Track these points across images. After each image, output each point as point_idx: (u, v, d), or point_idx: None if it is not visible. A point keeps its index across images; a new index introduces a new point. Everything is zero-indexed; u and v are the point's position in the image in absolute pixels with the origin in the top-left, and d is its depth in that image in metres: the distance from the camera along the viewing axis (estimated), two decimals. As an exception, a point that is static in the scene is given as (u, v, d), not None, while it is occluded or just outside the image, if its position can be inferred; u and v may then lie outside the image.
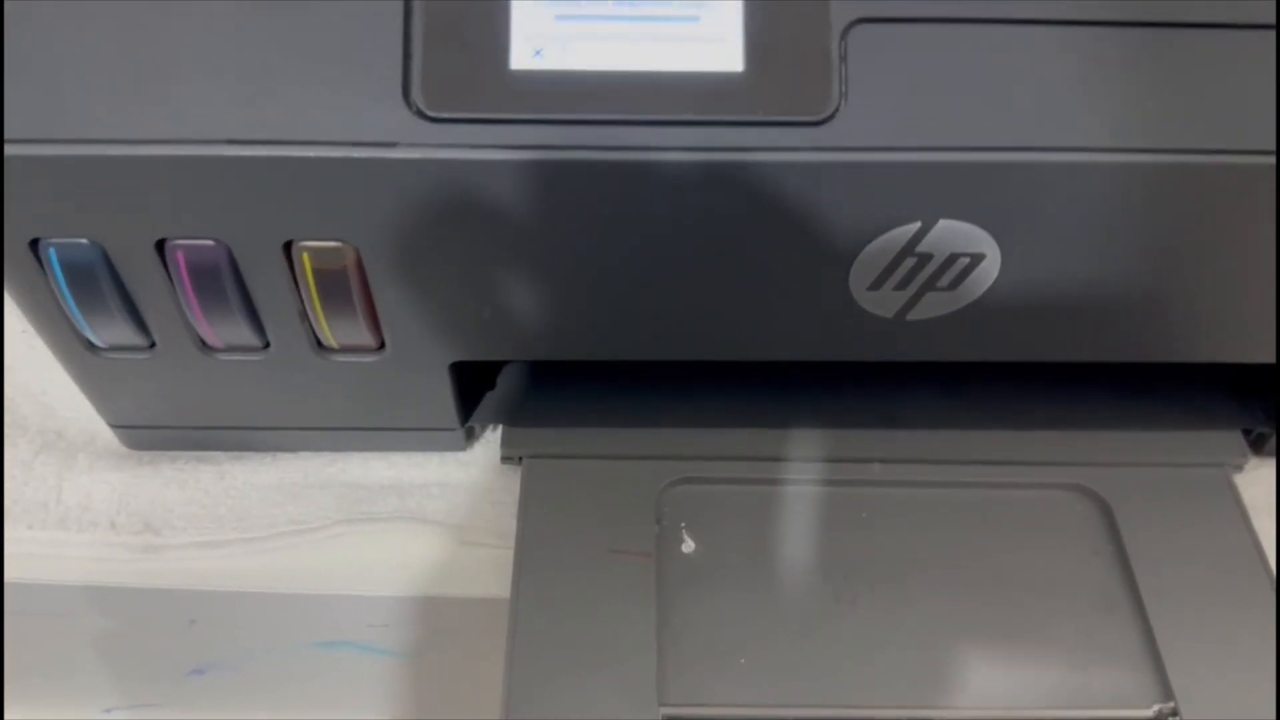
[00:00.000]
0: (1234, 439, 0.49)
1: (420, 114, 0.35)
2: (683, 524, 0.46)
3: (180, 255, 0.38)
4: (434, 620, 0.46)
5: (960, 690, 0.41)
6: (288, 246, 0.38)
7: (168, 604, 0.46)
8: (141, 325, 0.42)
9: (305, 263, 0.38)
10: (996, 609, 0.43)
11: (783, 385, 0.50)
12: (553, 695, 0.40)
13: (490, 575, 0.45)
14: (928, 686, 0.41)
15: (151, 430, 0.48)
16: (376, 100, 0.35)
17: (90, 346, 0.43)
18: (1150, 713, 0.41)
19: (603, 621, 0.42)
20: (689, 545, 0.45)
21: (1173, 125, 0.35)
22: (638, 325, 0.42)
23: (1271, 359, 0.44)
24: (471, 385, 0.49)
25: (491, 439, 0.50)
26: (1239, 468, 0.49)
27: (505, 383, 0.50)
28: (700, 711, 0.40)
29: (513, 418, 0.49)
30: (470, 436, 0.50)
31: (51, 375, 0.48)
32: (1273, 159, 0.36)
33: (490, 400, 0.49)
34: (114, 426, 0.48)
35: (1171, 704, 0.41)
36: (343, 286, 0.39)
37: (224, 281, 0.39)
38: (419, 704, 0.51)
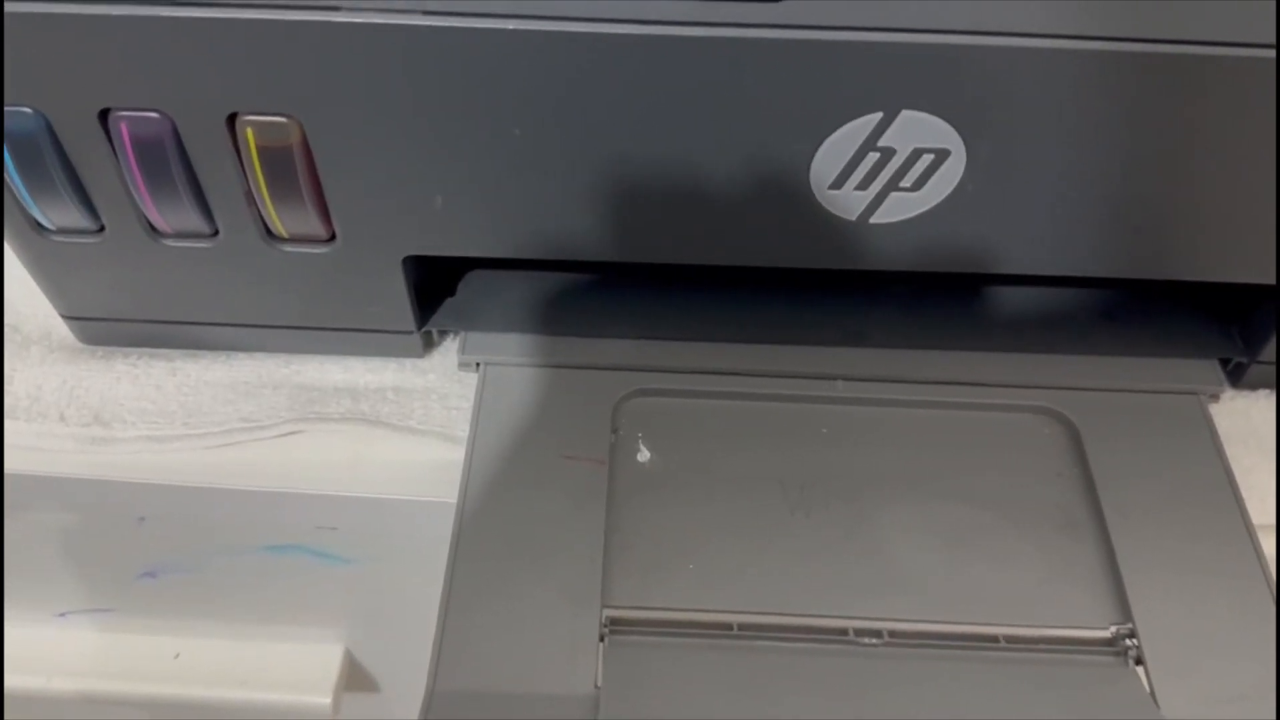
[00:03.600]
0: (1211, 368, 0.48)
1: (365, -22, 0.34)
2: (640, 434, 0.45)
3: (124, 127, 0.38)
4: (383, 522, 0.46)
5: (911, 603, 0.40)
6: (233, 122, 0.37)
7: (115, 497, 0.46)
8: (89, 206, 0.41)
9: (249, 139, 0.38)
10: (954, 525, 0.42)
11: (750, 300, 0.49)
12: (493, 595, 0.39)
13: (441, 479, 0.44)
14: (878, 598, 0.40)
15: (104, 323, 0.47)
16: (321, -38, 0.34)
17: (39, 228, 0.42)
18: (1107, 633, 0.40)
19: (550, 524, 0.42)
20: (645, 455, 0.44)
21: (1155, 12, 0.34)
22: (590, 222, 0.41)
23: (1265, 279, 0.42)
24: (431, 291, 0.48)
25: (450, 348, 0.49)
26: (1215, 397, 0.47)
27: (466, 289, 0.49)
28: (643, 614, 0.39)
29: (472, 324, 0.48)
30: (429, 345, 0.49)
31: (12, 271, 0.48)
32: (1271, 53, 0.34)
33: (450, 306, 0.48)
34: (67, 318, 0.47)
35: (1129, 625, 0.40)
36: (288, 166, 0.38)
37: (169, 157, 0.38)
38: (369, 609, 0.50)
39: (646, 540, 0.42)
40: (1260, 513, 0.43)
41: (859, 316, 0.48)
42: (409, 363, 0.49)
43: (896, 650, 0.39)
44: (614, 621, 0.39)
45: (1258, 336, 0.47)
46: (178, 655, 0.55)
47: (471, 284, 0.49)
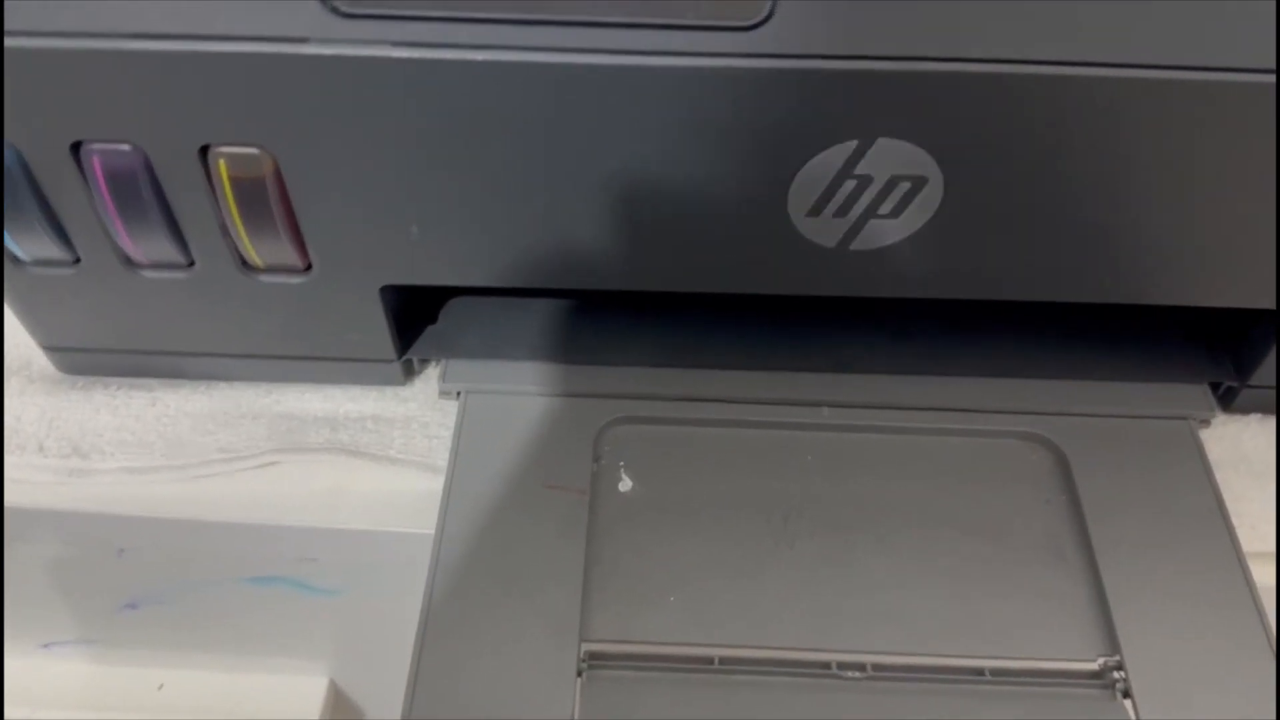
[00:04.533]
0: (1201, 392, 0.47)
1: (335, 10, 0.34)
2: (621, 463, 0.45)
3: (96, 160, 0.37)
4: (364, 554, 0.45)
5: (895, 635, 0.39)
6: (205, 153, 0.37)
7: (94, 529, 0.45)
8: (64, 238, 0.41)
9: (222, 170, 0.37)
10: (940, 555, 0.42)
11: (734, 326, 0.49)
12: (470, 627, 0.39)
13: (421, 509, 0.44)
14: (862, 630, 0.40)
15: (83, 353, 0.47)
16: (290, -6, 0.34)
17: (15, 260, 0.42)
18: (1094, 665, 0.39)
19: (529, 556, 0.41)
20: (626, 484, 0.44)
21: (1136, 36, 0.34)
22: (566, 250, 0.40)
23: (1256, 303, 0.42)
24: (411, 318, 0.48)
25: (432, 376, 0.49)
26: (1205, 422, 0.47)
27: (447, 317, 0.49)
28: (623, 647, 0.39)
29: (453, 351, 0.48)
30: (410, 372, 0.49)
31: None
32: (1262, 77, 0.34)
33: (431, 333, 0.48)
34: (46, 349, 0.47)
35: (1117, 657, 0.39)
36: (261, 197, 0.38)
37: (142, 190, 0.38)
38: (353, 639, 0.50)
39: (627, 572, 0.41)
40: (1251, 540, 0.43)
41: (844, 342, 0.48)
42: (390, 390, 0.48)
43: (880, 684, 0.38)
44: (592, 655, 0.39)
45: (1249, 360, 0.46)
46: (161, 686, 0.55)
47: (453, 311, 0.49)
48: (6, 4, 0.34)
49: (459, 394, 0.47)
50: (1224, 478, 0.44)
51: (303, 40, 0.34)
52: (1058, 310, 0.44)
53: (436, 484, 0.44)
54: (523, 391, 0.46)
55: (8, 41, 0.34)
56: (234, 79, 0.34)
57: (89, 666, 0.56)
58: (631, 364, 0.47)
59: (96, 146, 0.37)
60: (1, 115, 0.36)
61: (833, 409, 0.46)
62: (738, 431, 0.46)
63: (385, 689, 0.56)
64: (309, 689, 0.55)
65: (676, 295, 0.44)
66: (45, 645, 0.55)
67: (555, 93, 0.35)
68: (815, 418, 0.46)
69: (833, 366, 0.47)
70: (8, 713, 0.56)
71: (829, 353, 0.48)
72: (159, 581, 0.49)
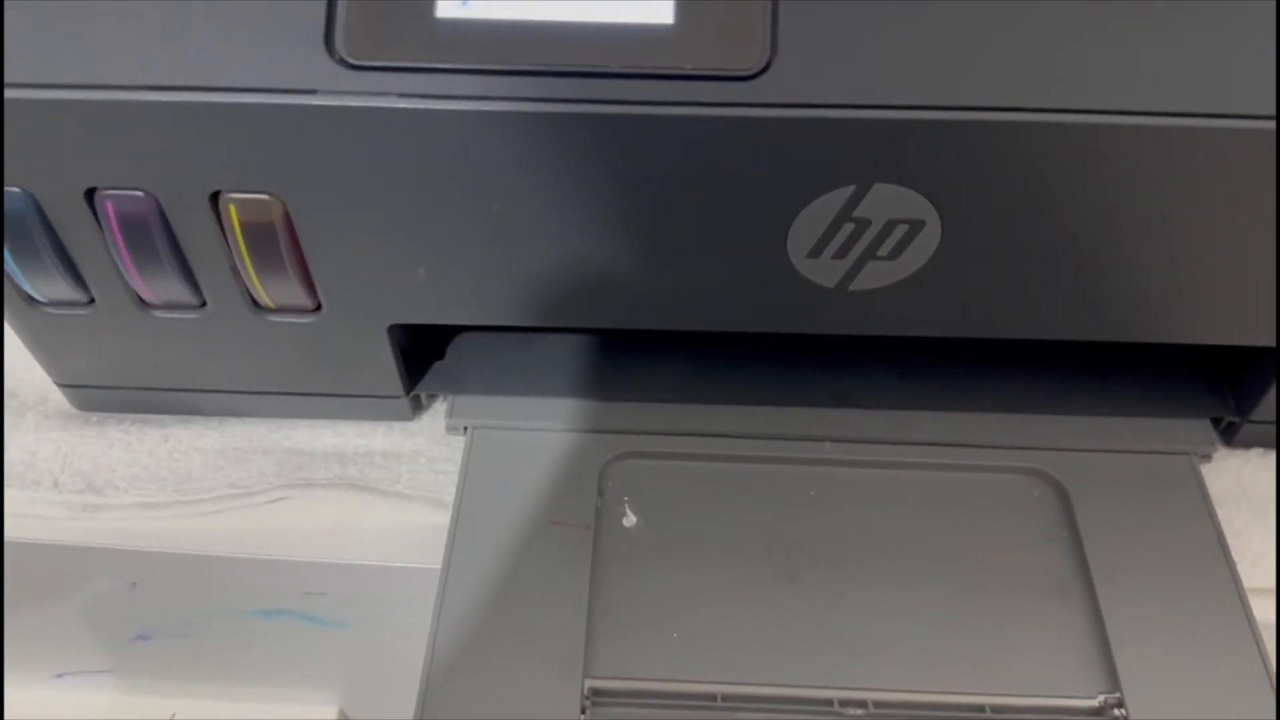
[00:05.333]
0: (1202, 427, 0.47)
1: (342, 62, 0.34)
2: (626, 498, 0.45)
3: (109, 205, 0.38)
4: (372, 588, 0.46)
5: (897, 671, 0.40)
6: (216, 199, 0.38)
7: (108, 564, 0.46)
8: (79, 280, 0.42)
9: (232, 215, 0.38)
10: (941, 591, 0.42)
11: (737, 362, 0.49)
12: (475, 663, 0.39)
13: (428, 544, 0.44)
14: (864, 666, 0.40)
15: (98, 390, 0.48)
16: (298, 47, 0.34)
17: (31, 301, 0.43)
18: (1095, 702, 0.39)
19: (534, 591, 0.42)
20: (630, 519, 0.44)
21: (1131, 83, 0.34)
22: (572, 290, 0.41)
23: (1255, 340, 0.42)
24: (419, 354, 0.48)
25: (439, 410, 0.50)
26: (1206, 457, 0.47)
27: (454, 353, 0.49)
28: (626, 684, 0.39)
29: (460, 387, 0.48)
30: (418, 407, 0.49)
31: (9, 338, 0.48)
32: (1263, 124, 0.34)
33: (438, 370, 0.49)
34: (61, 386, 0.48)
35: (1117, 694, 0.39)
36: (271, 241, 0.39)
37: (154, 234, 0.39)
38: (362, 671, 0.50)
39: (631, 608, 0.42)
40: (1252, 576, 0.43)
41: (846, 378, 0.48)
42: (398, 425, 0.49)
43: (881, 721, 0.39)
44: (596, 692, 0.39)
45: (1251, 395, 0.46)
46: (173, 716, 0.55)
47: (460, 347, 0.50)
48: (25, 57, 0.35)
49: (466, 429, 0.47)
50: (1225, 513, 0.44)
51: (311, 91, 0.34)
52: (1059, 346, 0.45)
53: (443, 518, 0.44)
54: (528, 427, 0.47)
55: (25, 94, 0.35)
56: (244, 129, 0.35)
57: (102, 696, 0.57)
58: (636, 399, 0.48)
59: (110, 193, 0.38)
60: (1, 161, 0.37)
61: (835, 444, 0.47)
62: (740, 466, 0.46)
63: None
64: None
65: (680, 332, 0.45)
66: (59, 675, 0.56)
67: (557, 141, 0.35)
68: (817, 453, 0.46)
69: (834, 401, 0.48)
70: (22, 741, 0.56)
71: (831, 388, 0.48)
72: (171, 614, 0.50)
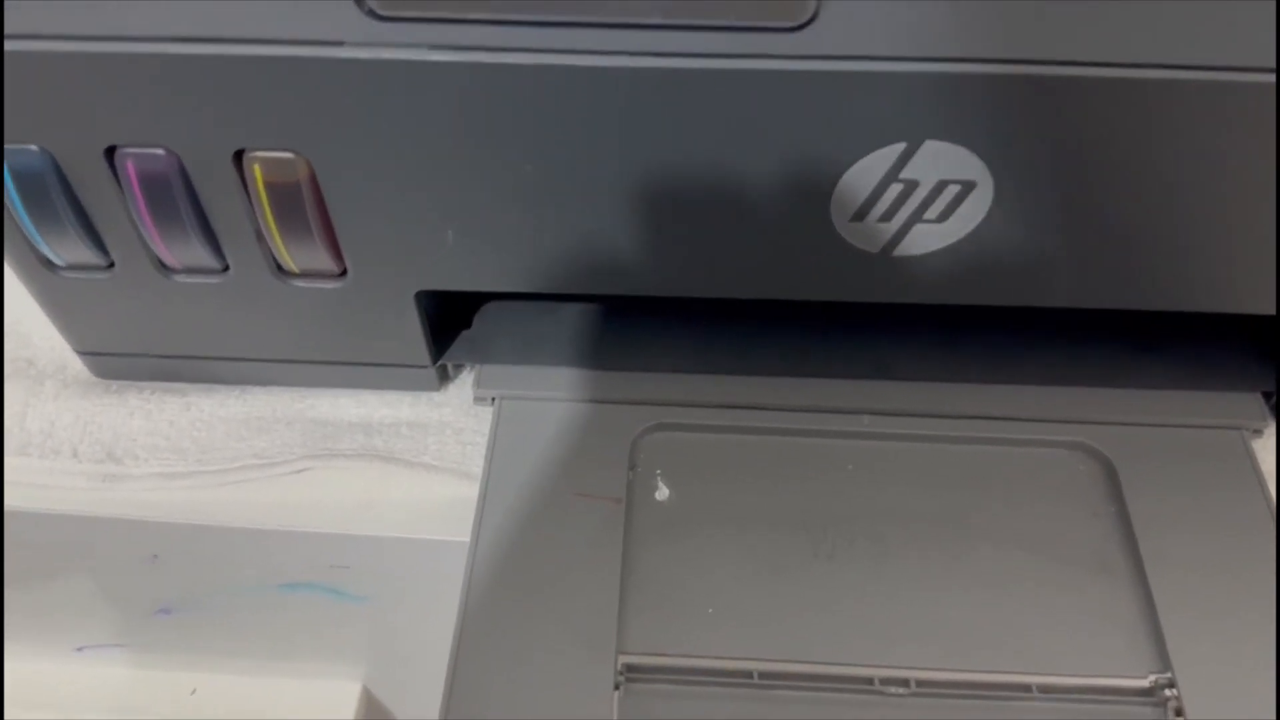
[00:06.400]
0: (1254, 401, 0.46)
1: (371, 12, 0.33)
2: (658, 471, 0.44)
3: (130, 164, 0.37)
4: (397, 561, 0.45)
5: (940, 650, 0.39)
6: (240, 158, 0.37)
7: (128, 535, 0.45)
8: (98, 242, 0.41)
9: (257, 175, 0.37)
10: (984, 568, 0.41)
11: (773, 332, 0.48)
12: (506, 637, 0.38)
13: (455, 517, 0.43)
14: (905, 644, 0.39)
15: (118, 358, 0.47)
16: (326, -3, 0.33)
17: (49, 265, 0.42)
18: (1145, 682, 0.38)
19: (565, 566, 0.40)
20: (663, 492, 0.43)
21: (1189, 37, 0.32)
22: (605, 255, 0.39)
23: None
24: (446, 323, 0.47)
25: (467, 381, 0.48)
26: (1258, 433, 0.46)
27: (482, 322, 0.48)
28: (660, 660, 0.38)
29: (487, 357, 0.47)
30: (445, 378, 0.48)
31: (28, 305, 0.47)
32: None
33: (465, 339, 0.47)
34: (81, 353, 0.47)
35: (1168, 674, 0.38)
36: (297, 202, 0.38)
37: (176, 194, 0.38)
38: (386, 646, 0.49)
39: (664, 583, 0.41)
40: (1307, 554, 0.41)
41: (886, 349, 0.47)
42: (424, 396, 0.48)
43: (924, 700, 0.38)
44: (630, 669, 0.38)
45: (1305, 368, 0.45)
46: (194, 691, 0.55)
47: (487, 316, 0.49)
48: (40, 7, 0.33)
49: (494, 400, 0.46)
50: (1278, 490, 0.43)
51: (338, 43, 0.33)
52: (1107, 316, 0.43)
53: (471, 490, 0.43)
54: (558, 398, 0.46)
55: (40, 45, 0.34)
56: (268, 82, 0.34)
57: (122, 670, 0.56)
58: (668, 370, 0.46)
59: (130, 151, 0.37)
60: (1, 119, 0.36)
61: (874, 417, 0.45)
62: (776, 439, 0.45)
63: (419, 695, 0.56)
64: (342, 694, 0.54)
65: (714, 300, 0.43)
66: (79, 649, 0.55)
67: (594, 96, 0.34)
68: (856, 426, 0.45)
69: (874, 373, 0.46)
70: (39, 716, 0.56)
71: (870, 359, 0.47)
72: (192, 587, 0.49)
